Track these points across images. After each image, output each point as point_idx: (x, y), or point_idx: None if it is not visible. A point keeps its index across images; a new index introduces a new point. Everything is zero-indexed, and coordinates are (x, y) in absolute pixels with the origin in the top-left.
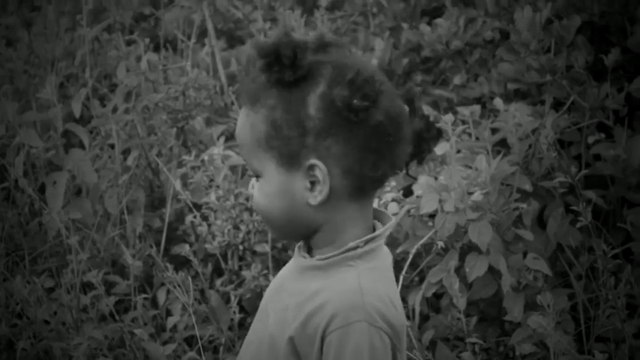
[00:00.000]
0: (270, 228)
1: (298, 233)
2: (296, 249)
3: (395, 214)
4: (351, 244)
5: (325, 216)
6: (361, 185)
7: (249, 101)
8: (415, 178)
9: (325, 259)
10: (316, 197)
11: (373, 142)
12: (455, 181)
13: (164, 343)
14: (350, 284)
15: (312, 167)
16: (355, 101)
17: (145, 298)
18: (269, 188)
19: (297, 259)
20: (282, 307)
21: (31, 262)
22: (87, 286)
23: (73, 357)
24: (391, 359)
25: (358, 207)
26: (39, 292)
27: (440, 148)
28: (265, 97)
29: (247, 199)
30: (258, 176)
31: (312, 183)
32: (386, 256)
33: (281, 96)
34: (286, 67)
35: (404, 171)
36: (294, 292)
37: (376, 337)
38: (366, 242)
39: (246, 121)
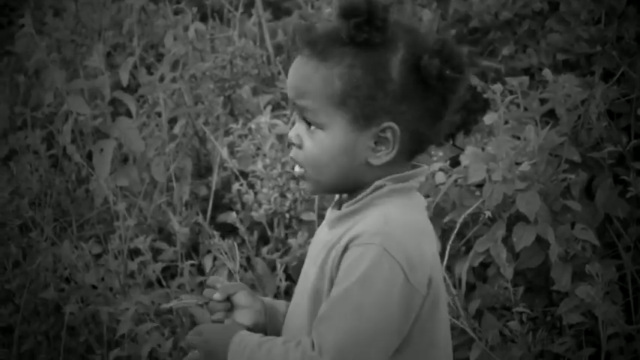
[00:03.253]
0: (317, 181)
1: (344, 189)
2: (330, 208)
3: (442, 184)
4: (377, 183)
5: (378, 174)
6: (419, 149)
7: (319, 55)
8: (462, 149)
9: (354, 203)
10: (380, 158)
11: (442, 108)
12: (503, 151)
13: None
14: (375, 215)
15: (385, 129)
16: (448, 72)
17: (191, 265)
18: (332, 143)
19: (329, 215)
20: (320, 260)
21: (79, 228)
22: (134, 253)
23: (121, 321)
24: (401, 297)
25: (406, 167)
26: (86, 258)
27: (488, 118)
28: (341, 54)
29: (294, 168)
30: (317, 127)
31: (376, 143)
32: (418, 203)
33: (361, 56)
34: (376, 29)
35: (450, 142)
36: (327, 242)
37: (386, 265)
38: (394, 181)
39: (316, 74)
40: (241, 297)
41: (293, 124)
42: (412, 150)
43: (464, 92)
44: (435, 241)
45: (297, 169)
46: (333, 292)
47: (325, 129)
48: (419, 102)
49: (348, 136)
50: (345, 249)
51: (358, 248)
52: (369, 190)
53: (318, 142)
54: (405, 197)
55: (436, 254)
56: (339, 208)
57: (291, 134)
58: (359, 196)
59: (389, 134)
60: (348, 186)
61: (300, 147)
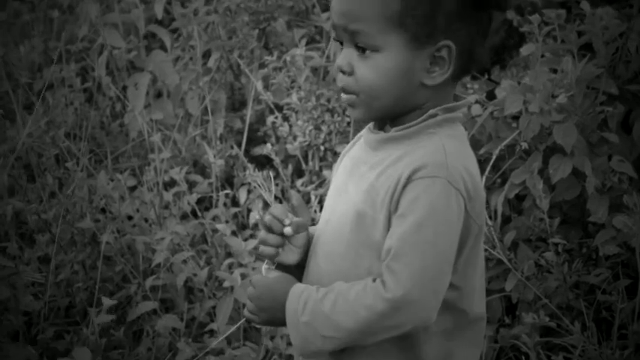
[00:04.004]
0: (370, 106)
1: (395, 112)
2: (366, 129)
3: (478, 116)
4: (431, 112)
5: (428, 96)
6: (466, 70)
7: None
8: (497, 83)
9: (405, 128)
10: (435, 78)
11: (488, 26)
12: (540, 83)
13: (245, 240)
14: (433, 146)
15: (440, 48)
16: None
17: (226, 195)
18: (388, 64)
19: (370, 135)
20: (367, 183)
21: (113, 161)
22: (168, 186)
23: (156, 251)
24: (462, 225)
25: (453, 89)
26: (122, 190)
27: (525, 49)
28: None
29: (329, 100)
30: (373, 50)
31: (431, 63)
32: (464, 134)
33: None
34: None
35: (486, 76)
36: (373, 164)
37: (453, 197)
38: (445, 111)
39: None
40: (301, 238)
41: (328, 57)
42: (461, 71)
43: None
44: None
45: (344, 96)
46: (401, 226)
47: (381, 51)
48: (471, 20)
49: (404, 57)
50: (408, 180)
51: (424, 181)
52: (423, 118)
53: (373, 66)
54: (453, 128)
55: (483, 190)
56: (379, 129)
57: (341, 62)
58: (412, 122)
59: (444, 53)
60: (400, 109)
61: (350, 74)
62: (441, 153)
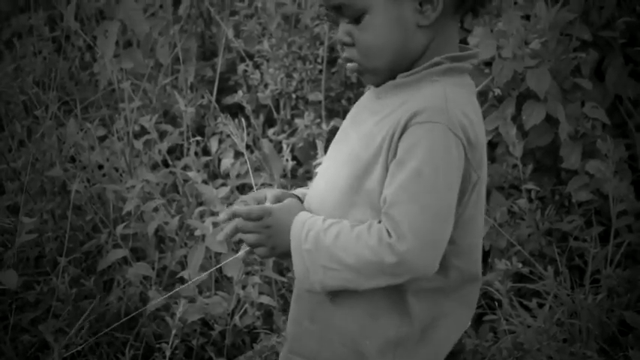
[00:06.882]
0: (376, 69)
1: (403, 65)
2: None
3: None
4: (436, 59)
5: (429, 39)
6: (464, 4)
7: None
8: (469, 31)
9: (408, 75)
10: (429, 17)
11: None
12: (513, 27)
13: (217, 189)
14: (435, 92)
15: None
16: None
17: (197, 144)
18: (378, 21)
19: (374, 88)
20: (366, 129)
21: (83, 110)
22: (139, 136)
23: (127, 199)
24: (462, 173)
25: (455, 27)
26: (92, 139)
27: None
28: None
29: (300, 48)
30: (360, 17)
31: (420, 4)
32: (471, 85)
33: None
34: None
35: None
36: (375, 111)
37: (453, 144)
38: (452, 60)
39: None
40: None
41: (299, 4)
42: (457, 5)
43: None
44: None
45: (349, 65)
46: (399, 174)
47: (368, 12)
48: None
49: (390, 7)
50: (406, 126)
51: (422, 126)
52: (426, 65)
53: (368, 28)
54: (460, 78)
55: (485, 142)
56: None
57: (340, 36)
58: (415, 69)
59: None
60: (405, 60)
61: (352, 44)
62: (441, 98)
